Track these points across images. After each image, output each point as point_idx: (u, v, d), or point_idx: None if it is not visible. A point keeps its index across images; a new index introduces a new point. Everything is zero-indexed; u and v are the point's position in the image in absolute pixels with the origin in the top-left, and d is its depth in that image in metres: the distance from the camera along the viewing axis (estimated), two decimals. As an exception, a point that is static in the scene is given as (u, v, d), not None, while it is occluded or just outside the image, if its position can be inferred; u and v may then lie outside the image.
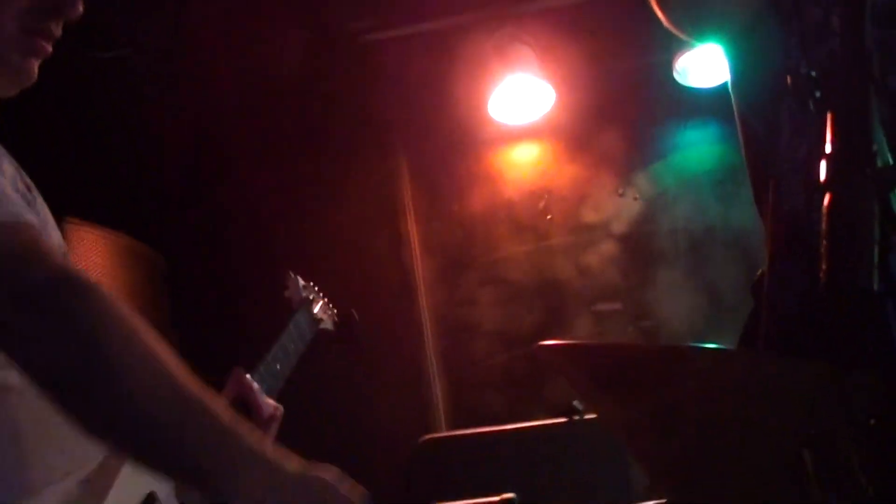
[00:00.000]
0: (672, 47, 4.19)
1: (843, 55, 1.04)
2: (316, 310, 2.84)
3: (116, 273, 3.99)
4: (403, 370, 4.26)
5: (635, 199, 4.44)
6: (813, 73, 1.05)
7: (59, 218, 3.55)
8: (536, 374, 4.28)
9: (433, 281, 4.45)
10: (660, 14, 1.77)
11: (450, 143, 4.50)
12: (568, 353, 1.97)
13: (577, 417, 3.80)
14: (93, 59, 4.07)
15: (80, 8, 1.58)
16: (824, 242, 0.96)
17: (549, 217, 4.46)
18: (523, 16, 4.38)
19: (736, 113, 1.79)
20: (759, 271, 1.72)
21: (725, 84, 2.07)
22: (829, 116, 1.00)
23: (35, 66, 1.60)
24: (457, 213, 4.50)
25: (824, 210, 0.96)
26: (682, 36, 1.85)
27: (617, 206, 4.44)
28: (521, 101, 4.38)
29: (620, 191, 4.44)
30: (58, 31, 1.60)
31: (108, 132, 4.18)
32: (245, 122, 4.37)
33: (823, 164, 0.99)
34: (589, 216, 4.44)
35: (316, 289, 2.94)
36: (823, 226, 0.96)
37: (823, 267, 0.96)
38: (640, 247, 4.40)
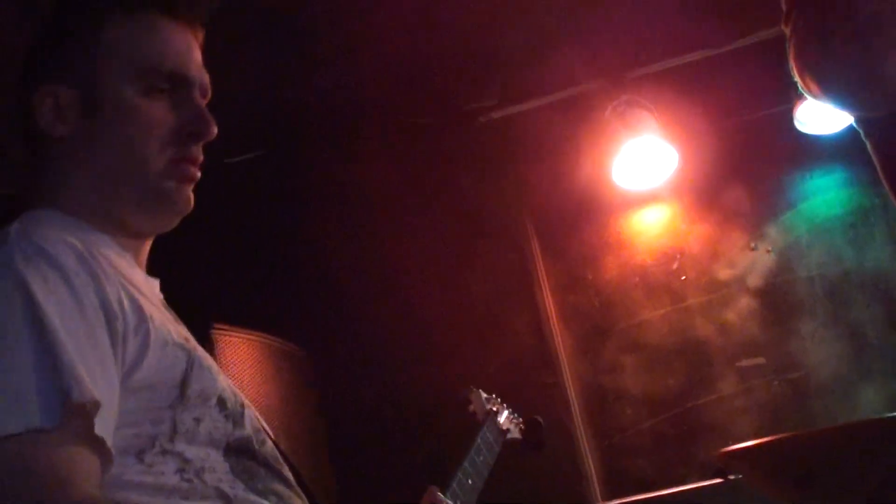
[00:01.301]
0: (791, 96, 4.49)
1: None
2: (501, 420, 3.10)
3: (268, 376, 4.31)
4: (554, 442, 4.56)
5: (768, 251, 4.72)
6: None
7: (207, 325, 3.95)
8: (686, 437, 4.58)
9: (574, 351, 4.76)
10: (814, 91, 1.79)
11: (577, 213, 4.81)
12: (755, 455, 2.17)
13: (731, 477, 4.08)
14: (223, 165, 4.49)
15: (216, 130, 1.76)
16: None
17: (683, 278, 4.76)
18: (639, 80, 4.74)
19: (881, 171, 1.86)
20: None
21: (848, 128, 2.27)
22: None
23: (190, 192, 1.77)
24: (591, 281, 4.81)
25: None
26: (834, 106, 1.88)
27: (750, 260, 4.72)
28: (644, 165, 4.67)
29: (752, 244, 4.74)
30: (200, 154, 1.77)
31: (247, 235, 4.58)
32: (366, 209, 4.77)
33: None
34: (723, 273, 4.73)
35: (499, 400, 3.17)
36: None
37: None
38: (777, 298, 4.67)
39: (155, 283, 1.79)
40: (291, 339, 4.44)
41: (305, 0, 3.81)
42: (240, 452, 1.64)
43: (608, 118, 4.64)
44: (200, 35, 1.83)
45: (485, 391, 3.17)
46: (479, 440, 2.81)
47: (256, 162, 4.66)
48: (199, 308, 2.03)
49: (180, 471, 1.53)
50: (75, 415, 1.37)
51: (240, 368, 4.10)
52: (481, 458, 2.77)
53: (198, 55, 1.81)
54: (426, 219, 4.77)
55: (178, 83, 1.75)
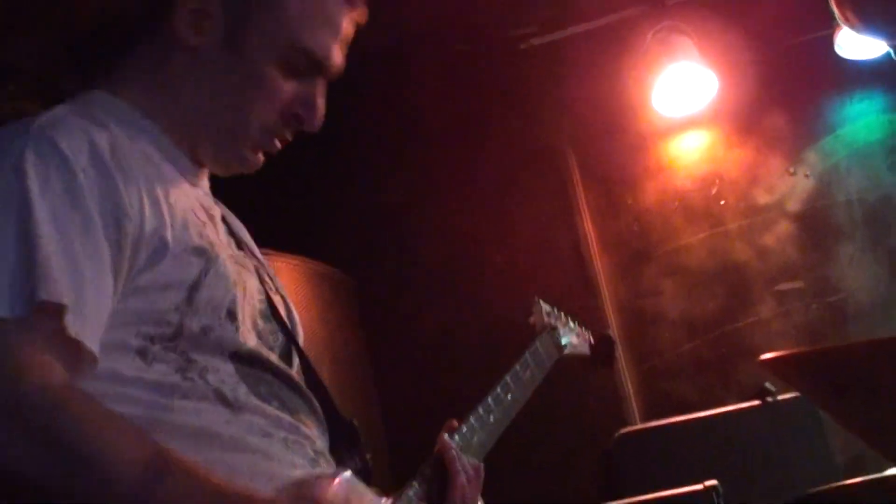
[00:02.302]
0: (831, 22, 4.61)
1: None
2: (562, 335, 3.12)
3: (313, 299, 4.52)
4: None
5: (806, 175, 4.88)
6: None
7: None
8: (725, 360, 4.77)
9: (614, 275, 4.95)
10: (851, 20, 1.86)
11: (617, 139, 4.97)
12: (795, 363, 2.26)
13: (770, 399, 4.25)
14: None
15: (320, 126, 1.82)
16: None
17: (722, 202, 4.93)
18: (680, 5, 4.89)
19: None
20: None
21: (887, 54, 2.24)
22: None
23: (261, 160, 1.84)
24: (631, 206, 4.99)
25: None
26: (871, 36, 2.02)
27: (789, 185, 4.88)
28: (684, 91, 4.82)
29: (791, 169, 4.90)
30: (291, 135, 1.84)
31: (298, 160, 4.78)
32: (415, 137, 4.98)
33: None
34: (762, 197, 4.89)
35: (563, 314, 3.10)
36: None
37: None
38: (816, 223, 4.83)
39: (203, 178, 1.86)
40: (339, 265, 4.64)
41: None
42: (249, 361, 1.69)
43: (648, 44, 4.80)
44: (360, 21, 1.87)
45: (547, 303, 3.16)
46: (527, 354, 2.75)
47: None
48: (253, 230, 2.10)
49: (181, 370, 1.59)
50: (43, 312, 1.42)
51: (287, 290, 4.31)
52: (528, 372, 2.70)
53: (346, 44, 1.85)
54: (471, 146, 4.97)
55: (316, 71, 1.79)
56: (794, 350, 4.03)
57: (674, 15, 4.81)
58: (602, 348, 3.32)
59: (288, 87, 1.77)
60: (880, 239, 4.75)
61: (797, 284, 4.79)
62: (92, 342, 1.47)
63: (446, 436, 2.20)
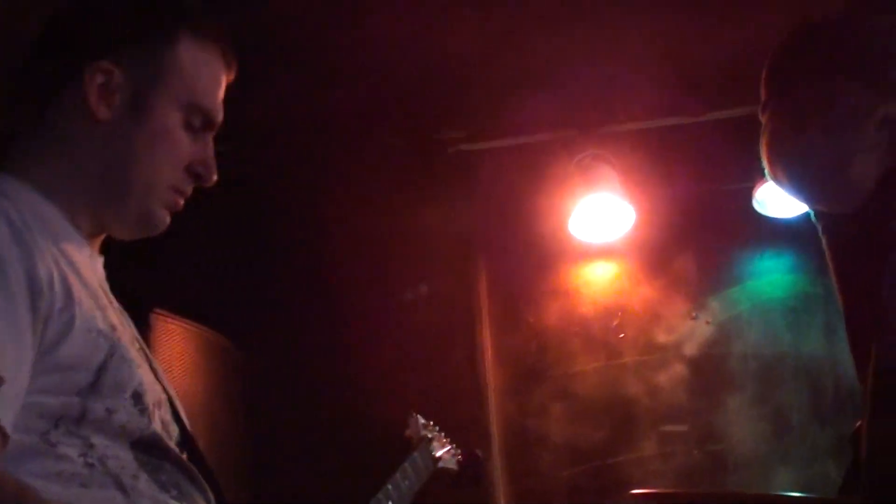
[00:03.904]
0: (753, 175, 4.90)
1: None
2: (435, 449, 3.30)
3: (200, 367, 4.61)
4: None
5: (707, 322, 5.14)
6: None
7: (148, 309, 4.27)
8: (601, 492, 4.96)
9: (505, 391, 5.15)
10: (782, 180, 1.90)
11: (529, 257, 5.21)
12: (664, 502, 2.38)
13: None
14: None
15: (215, 179, 1.95)
16: None
17: (622, 335, 5.17)
18: (608, 136, 5.15)
19: (832, 270, 1.96)
20: (858, 423, 1.85)
21: (804, 215, 2.35)
22: None
23: (168, 218, 1.93)
24: (532, 325, 5.21)
25: None
26: (795, 197, 1.99)
27: (689, 328, 5.13)
28: (601, 220, 5.08)
29: (694, 313, 5.15)
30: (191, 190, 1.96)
31: (207, 228, 4.91)
32: (328, 223, 5.15)
33: None
34: (661, 337, 5.14)
35: (437, 429, 3.37)
36: None
37: None
38: (709, 370, 5.07)
39: (98, 261, 1.92)
40: (231, 337, 4.74)
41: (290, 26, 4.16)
42: (149, 446, 1.74)
43: (573, 168, 5.04)
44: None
45: (423, 417, 3.34)
46: (407, 464, 2.95)
47: (221, 156, 4.99)
48: (145, 292, 2.22)
49: (83, 455, 1.63)
50: None
51: (172, 356, 4.36)
52: (407, 482, 2.89)
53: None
54: (382, 238, 5.14)
55: (208, 126, 1.95)
56: (666, 490, 4.26)
57: (601, 143, 5.06)
58: (470, 466, 3.48)
59: (186, 142, 1.91)
60: (769, 396, 5.00)
61: (682, 428, 5.01)
62: (7, 421, 1.53)
63: None
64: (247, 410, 4.81)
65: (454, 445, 3.50)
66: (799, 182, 1.85)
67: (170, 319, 4.42)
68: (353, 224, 5.12)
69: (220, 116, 1.98)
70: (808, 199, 1.92)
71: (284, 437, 4.95)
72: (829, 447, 4.85)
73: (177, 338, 4.45)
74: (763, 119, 1.92)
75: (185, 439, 1.90)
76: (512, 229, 5.17)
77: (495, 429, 5.04)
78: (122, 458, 1.69)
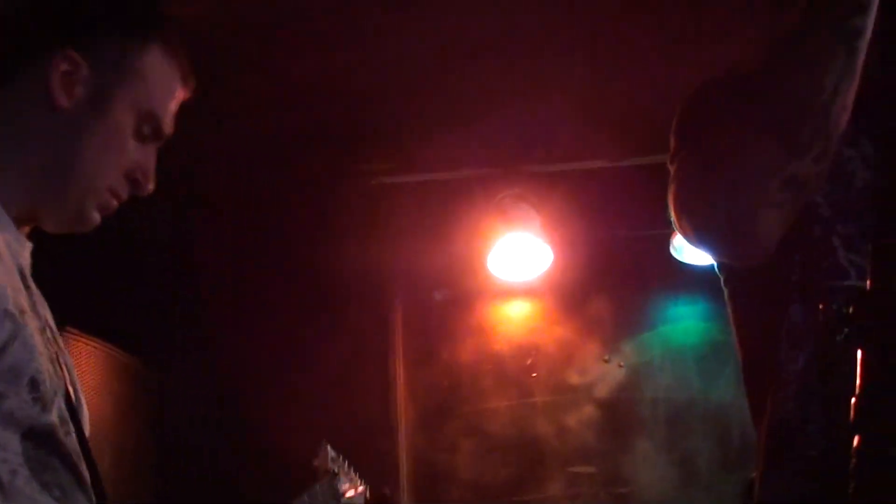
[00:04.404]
0: (671, 224, 5.00)
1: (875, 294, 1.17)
2: (341, 483, 3.32)
3: (107, 385, 4.62)
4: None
5: (620, 365, 5.23)
6: (845, 310, 1.17)
7: (60, 328, 4.28)
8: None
9: (415, 425, 5.20)
10: (687, 231, 1.88)
11: (445, 291, 5.29)
12: None
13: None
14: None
15: (151, 190, 1.99)
16: (853, 484, 1.14)
17: (534, 375, 5.25)
18: (530, 176, 5.23)
19: (732, 321, 2.00)
20: (752, 476, 1.87)
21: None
22: (859, 355, 1.14)
23: (98, 219, 1.95)
24: (445, 360, 5.27)
25: (853, 452, 1.12)
26: (700, 249, 1.94)
27: (602, 371, 5.22)
28: (519, 259, 5.16)
29: (606, 356, 5.24)
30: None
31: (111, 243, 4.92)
32: (246, 249, 5.18)
33: (853, 404, 1.13)
34: (573, 378, 5.22)
35: (347, 463, 3.39)
36: (851, 467, 1.12)
37: None
38: (619, 413, 5.17)
39: (26, 246, 1.91)
40: (144, 359, 4.76)
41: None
42: (41, 439, 1.70)
43: (494, 207, 5.11)
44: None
45: (334, 449, 3.36)
46: (305, 496, 2.92)
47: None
48: (57, 310, 2.22)
49: None
50: None
51: (81, 374, 4.34)
52: None
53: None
54: (298, 267, 5.18)
55: (156, 137, 1.97)
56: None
57: (522, 183, 5.13)
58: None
59: (132, 148, 1.93)
60: (678, 441, 5.10)
61: (590, 469, 5.09)
62: None
63: None
64: (154, 431, 4.82)
65: (362, 482, 3.51)
66: (703, 234, 1.82)
67: (80, 338, 4.43)
68: (269, 252, 5.15)
69: (169, 130, 2.01)
70: (711, 251, 1.92)
71: (191, 460, 4.96)
72: (734, 495, 4.92)
73: (85, 357, 4.46)
74: (671, 169, 1.90)
75: (81, 442, 1.86)
76: (430, 264, 5.22)
77: (404, 463, 5.08)
78: (8, 449, 1.66)
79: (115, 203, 1.95)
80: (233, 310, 5.13)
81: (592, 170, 5.23)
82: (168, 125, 2.00)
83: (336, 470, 3.20)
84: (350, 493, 3.28)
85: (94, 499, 1.83)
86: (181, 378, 5.03)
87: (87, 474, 1.82)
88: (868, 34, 1.64)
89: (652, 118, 4.69)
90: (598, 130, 4.95)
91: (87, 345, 4.49)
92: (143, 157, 1.96)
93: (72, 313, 4.26)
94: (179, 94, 2.04)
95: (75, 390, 1.94)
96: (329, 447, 3.24)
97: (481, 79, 4.65)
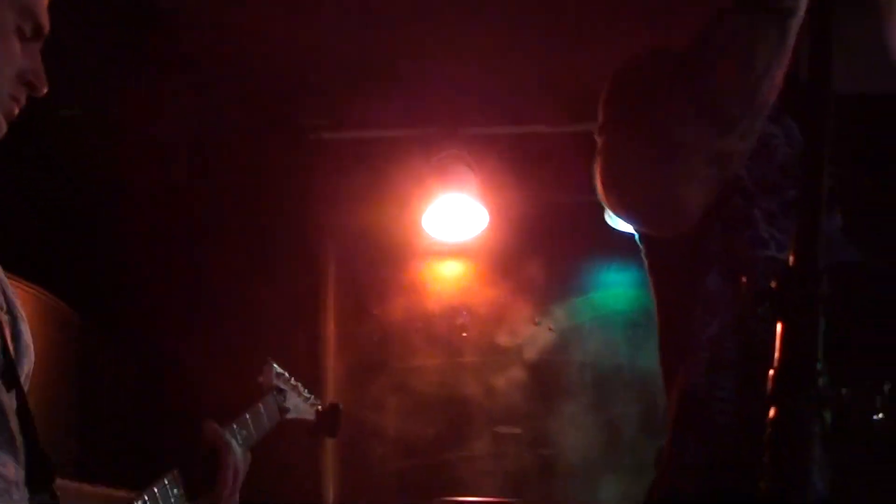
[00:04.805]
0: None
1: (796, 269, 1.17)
2: (287, 399, 3.35)
3: (37, 329, 4.61)
4: (301, 463, 4.97)
5: (550, 329, 5.29)
6: (767, 283, 1.17)
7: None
8: (429, 486, 5.08)
9: (343, 380, 5.24)
10: (611, 202, 1.91)
11: (379, 249, 5.31)
12: None
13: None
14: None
15: (46, 90, 1.95)
16: (767, 454, 1.12)
17: (464, 334, 5.30)
18: (469, 137, 5.26)
19: (652, 290, 2.06)
20: (660, 444, 1.93)
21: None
22: (779, 327, 1.14)
23: (4, 127, 1.92)
24: (376, 316, 5.31)
25: (768, 422, 1.12)
26: (625, 221, 2.03)
27: (531, 334, 5.28)
28: (453, 220, 5.21)
29: (537, 319, 5.30)
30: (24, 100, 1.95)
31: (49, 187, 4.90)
32: (180, 200, 5.16)
33: (770, 376, 1.13)
34: (503, 339, 5.28)
35: (293, 380, 3.43)
36: (766, 437, 1.12)
37: (765, 479, 1.12)
38: (547, 376, 5.24)
39: None
40: (76, 308, 4.75)
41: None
42: None
43: (432, 166, 5.13)
44: None
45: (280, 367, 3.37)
46: (247, 414, 2.92)
47: (83, 120, 4.98)
48: None
49: None
50: None
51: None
52: (244, 432, 2.85)
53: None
54: (233, 218, 5.17)
55: (36, 34, 1.92)
56: (474, 499, 4.41)
57: (461, 144, 5.15)
58: (329, 417, 3.55)
59: (17, 49, 1.88)
60: (603, 405, 5.18)
61: (515, 430, 5.15)
62: None
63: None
64: (81, 378, 4.81)
65: (314, 396, 3.55)
66: (628, 205, 1.89)
67: (13, 280, 4.41)
68: (205, 203, 5.15)
69: (47, 25, 1.95)
70: (634, 222, 1.99)
71: (116, 407, 4.96)
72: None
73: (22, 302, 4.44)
74: (599, 140, 1.94)
75: (19, 397, 1.89)
76: (366, 221, 5.24)
77: (330, 417, 5.10)
78: None
79: (15, 109, 1.92)
80: (164, 261, 5.11)
81: (531, 134, 5.26)
82: (46, 20, 1.95)
83: (281, 385, 3.26)
84: (302, 406, 3.33)
85: (16, 434, 1.84)
86: (112, 328, 5.01)
87: (16, 432, 1.84)
88: (801, 15, 1.67)
89: (593, 86, 4.73)
90: (539, 95, 4.99)
91: (21, 287, 4.46)
92: (31, 58, 1.92)
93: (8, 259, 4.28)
94: None
95: (16, 321, 1.99)
96: (275, 364, 3.28)
97: (423, 38, 4.67)
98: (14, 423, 1.85)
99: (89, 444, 4.79)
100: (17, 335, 1.99)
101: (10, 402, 1.86)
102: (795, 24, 1.68)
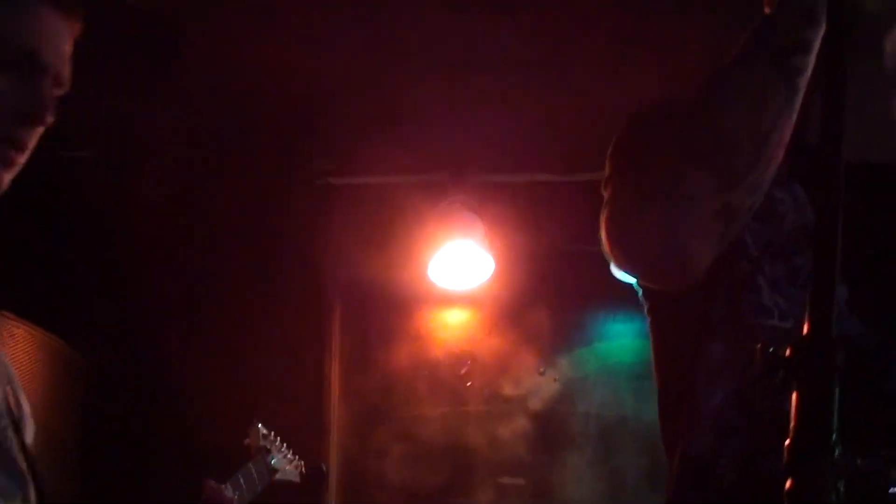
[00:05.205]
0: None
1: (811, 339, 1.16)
2: (274, 459, 3.38)
3: (40, 370, 4.60)
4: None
5: (555, 379, 5.28)
6: (782, 353, 1.17)
7: None
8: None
9: (348, 428, 5.22)
10: (617, 255, 1.87)
11: (385, 295, 5.31)
12: None
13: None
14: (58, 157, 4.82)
15: (52, 118, 1.75)
16: None
17: (469, 383, 5.29)
18: (476, 184, 5.27)
19: (652, 350, 2.03)
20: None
21: None
22: (794, 397, 1.13)
23: (5, 177, 1.75)
24: (381, 364, 5.29)
25: (785, 495, 1.11)
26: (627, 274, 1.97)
27: (536, 384, 5.27)
28: (460, 267, 5.21)
29: (541, 369, 5.29)
30: (30, 140, 1.75)
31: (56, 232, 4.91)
32: (187, 242, 5.16)
33: (787, 446, 1.12)
34: (508, 389, 5.26)
35: (279, 440, 3.46)
36: None
37: None
38: (552, 426, 5.22)
39: None
40: (75, 345, 4.74)
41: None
42: None
43: (439, 213, 5.13)
44: (77, 28, 1.82)
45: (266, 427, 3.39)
46: (239, 475, 3.08)
47: (89, 162, 4.99)
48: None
49: None
50: None
51: (14, 358, 4.39)
52: (237, 493, 3.01)
53: (64, 45, 1.79)
54: (238, 263, 5.16)
55: (26, 62, 1.73)
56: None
57: (468, 191, 5.15)
58: (313, 479, 3.56)
59: (5, 86, 1.71)
60: (608, 457, 5.16)
61: (519, 481, 5.12)
62: None
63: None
64: (84, 418, 4.81)
65: (297, 457, 3.56)
66: (633, 258, 1.86)
67: (14, 322, 4.43)
68: (211, 248, 5.14)
69: (43, 52, 1.76)
70: (638, 275, 1.97)
71: (120, 447, 4.94)
72: (660, 513, 4.98)
73: (21, 341, 4.47)
74: (605, 193, 1.92)
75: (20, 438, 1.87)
76: (371, 267, 5.23)
77: (334, 465, 5.09)
78: None
79: (12, 153, 1.75)
80: (169, 304, 5.11)
81: (538, 182, 5.28)
82: (38, 44, 1.75)
83: (268, 447, 3.26)
84: (287, 468, 3.34)
85: (29, 490, 1.84)
86: (117, 368, 5.00)
87: (17, 467, 1.83)
88: (808, 73, 1.69)
89: (600, 135, 4.75)
90: (547, 144, 5.00)
91: (24, 329, 4.50)
92: (26, 90, 1.73)
93: (6, 297, 4.29)
94: (44, 12, 1.77)
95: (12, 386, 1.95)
96: (260, 425, 3.32)
97: (432, 85, 4.68)
98: (28, 483, 1.85)
99: (92, 488, 4.77)
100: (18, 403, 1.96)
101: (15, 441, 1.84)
102: (803, 83, 1.68)
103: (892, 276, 1.90)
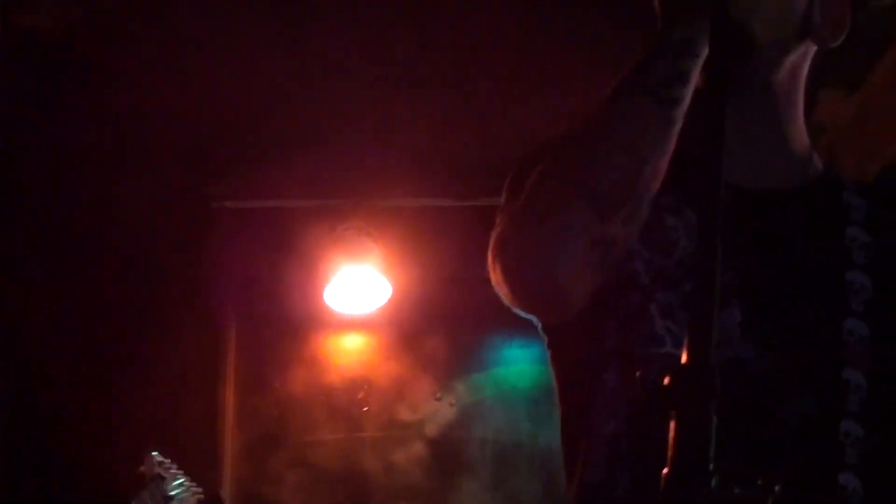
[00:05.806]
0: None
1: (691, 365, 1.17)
2: (169, 487, 3.34)
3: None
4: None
5: (451, 404, 5.29)
6: (660, 381, 1.16)
7: None
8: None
9: (241, 453, 5.17)
10: (502, 289, 1.88)
11: (280, 320, 5.28)
12: None
13: None
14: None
15: None
16: None
17: (365, 409, 5.27)
18: (372, 209, 5.26)
19: (555, 381, 1.99)
20: None
21: None
22: (672, 425, 1.13)
23: None
24: (277, 390, 5.25)
25: None
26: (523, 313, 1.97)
27: (433, 409, 5.27)
28: (356, 292, 5.21)
29: (438, 394, 5.29)
30: None
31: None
32: (76, 262, 5.07)
33: (663, 475, 1.12)
34: (404, 414, 5.25)
35: (175, 467, 3.43)
36: None
37: None
38: (448, 452, 5.22)
39: None
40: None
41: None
42: None
43: (335, 237, 5.12)
44: None
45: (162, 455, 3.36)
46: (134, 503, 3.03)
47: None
48: None
49: None
50: None
51: None
52: None
53: None
54: (132, 288, 5.09)
55: None
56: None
57: (364, 215, 5.15)
58: None
59: None
60: (502, 482, 5.17)
61: (415, 507, 5.11)
62: None
63: None
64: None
65: (195, 484, 3.53)
66: (512, 287, 1.84)
67: None
68: (100, 270, 5.06)
69: None
70: (520, 304, 1.92)
71: (9, 478, 4.84)
72: (555, 538, 5.02)
73: None
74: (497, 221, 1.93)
75: None
76: (267, 291, 5.20)
77: (228, 492, 5.03)
78: None
79: None
80: (60, 329, 5.01)
81: (435, 207, 5.28)
82: None
83: (163, 474, 3.23)
84: (183, 495, 3.31)
85: None
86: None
87: None
88: (685, 104, 1.69)
89: (498, 161, 4.77)
90: (444, 169, 5.02)
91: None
92: None
93: None
94: None
95: None
96: (155, 453, 3.28)
97: (327, 109, 4.69)
98: None
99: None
100: None
101: None
102: (679, 114, 1.69)
103: (789, 296, 1.87)
